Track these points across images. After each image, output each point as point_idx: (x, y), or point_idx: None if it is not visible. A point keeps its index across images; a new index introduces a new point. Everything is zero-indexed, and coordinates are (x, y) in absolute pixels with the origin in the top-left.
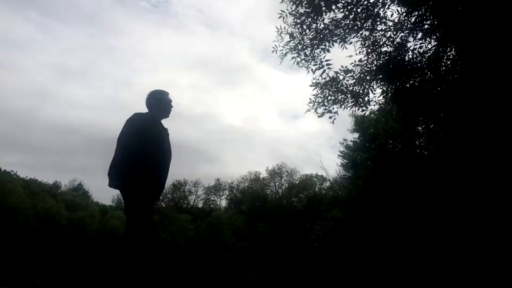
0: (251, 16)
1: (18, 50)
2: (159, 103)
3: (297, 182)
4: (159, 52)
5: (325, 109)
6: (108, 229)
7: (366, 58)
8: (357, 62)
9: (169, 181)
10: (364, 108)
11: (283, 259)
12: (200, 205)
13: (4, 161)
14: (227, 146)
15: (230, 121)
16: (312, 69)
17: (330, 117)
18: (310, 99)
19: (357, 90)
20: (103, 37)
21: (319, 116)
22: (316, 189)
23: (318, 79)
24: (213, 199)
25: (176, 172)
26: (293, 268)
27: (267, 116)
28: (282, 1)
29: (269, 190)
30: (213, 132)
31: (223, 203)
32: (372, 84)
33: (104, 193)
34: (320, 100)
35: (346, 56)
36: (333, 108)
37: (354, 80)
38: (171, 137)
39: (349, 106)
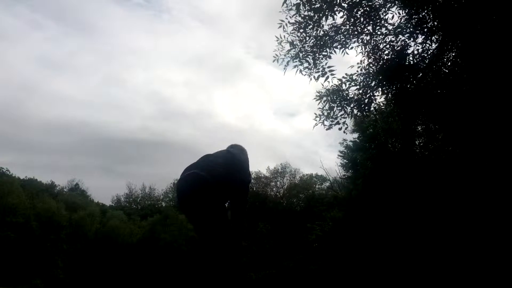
0: (246, 11)
1: (7, 44)
2: (247, 166)
3: (297, 181)
4: (152, 48)
5: (332, 121)
6: (108, 229)
7: (367, 62)
8: (359, 71)
9: (168, 181)
10: (367, 113)
11: (283, 259)
12: None
13: None
14: (222, 144)
15: (225, 119)
16: (315, 77)
17: (340, 129)
18: (316, 113)
19: (363, 99)
20: (95, 33)
21: (327, 129)
22: (316, 189)
23: (322, 92)
24: None
25: (174, 171)
26: (293, 268)
27: (263, 114)
28: (284, 3)
29: (269, 189)
30: (208, 131)
31: None
32: (375, 90)
33: (103, 193)
34: (326, 113)
35: (348, 66)
36: (340, 119)
37: (358, 87)
38: (168, 137)
39: (354, 114)
